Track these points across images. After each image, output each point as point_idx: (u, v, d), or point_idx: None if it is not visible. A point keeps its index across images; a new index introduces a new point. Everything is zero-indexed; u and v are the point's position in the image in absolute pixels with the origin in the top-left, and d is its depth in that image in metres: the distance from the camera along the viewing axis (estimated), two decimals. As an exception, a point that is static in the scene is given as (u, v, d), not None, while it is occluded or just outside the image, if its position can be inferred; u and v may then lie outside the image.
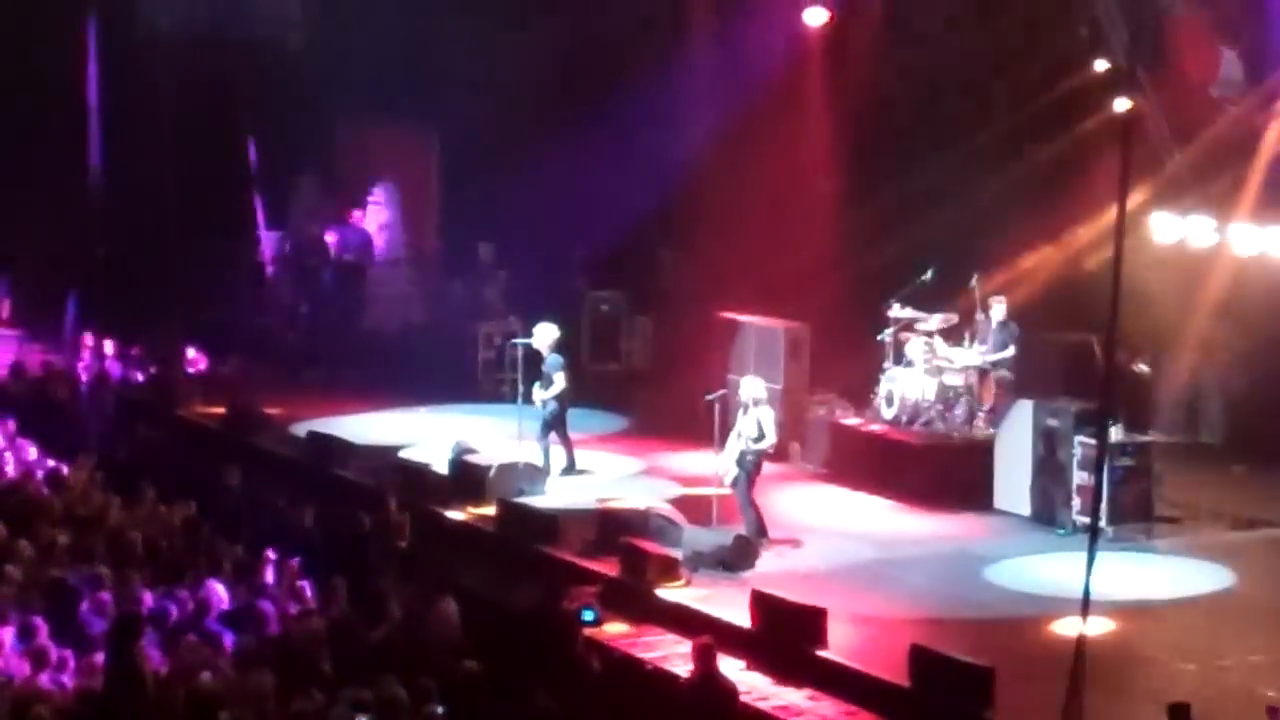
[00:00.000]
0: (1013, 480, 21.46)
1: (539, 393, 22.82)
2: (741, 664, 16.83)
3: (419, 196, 31.91)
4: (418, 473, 22.45)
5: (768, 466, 20.73)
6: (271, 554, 17.39)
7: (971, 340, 23.05)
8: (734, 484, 20.17)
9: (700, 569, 19.17)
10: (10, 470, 20.67)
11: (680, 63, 28.17)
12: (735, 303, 25.56)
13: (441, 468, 22.55)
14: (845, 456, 23.17)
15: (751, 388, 20.43)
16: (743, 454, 20.05)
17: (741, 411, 20.36)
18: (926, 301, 23.23)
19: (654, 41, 27.96)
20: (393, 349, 30.64)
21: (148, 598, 15.86)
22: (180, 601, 15.81)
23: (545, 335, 23.16)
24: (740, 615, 17.58)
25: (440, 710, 13.62)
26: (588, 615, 17.66)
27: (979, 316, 23.12)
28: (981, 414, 22.73)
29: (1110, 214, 15.03)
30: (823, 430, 23.71)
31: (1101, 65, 23.70)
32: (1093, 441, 19.54)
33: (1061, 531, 20.53)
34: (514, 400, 23.56)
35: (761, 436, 20.04)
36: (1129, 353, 21.03)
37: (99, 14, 29.85)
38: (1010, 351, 22.91)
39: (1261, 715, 14.51)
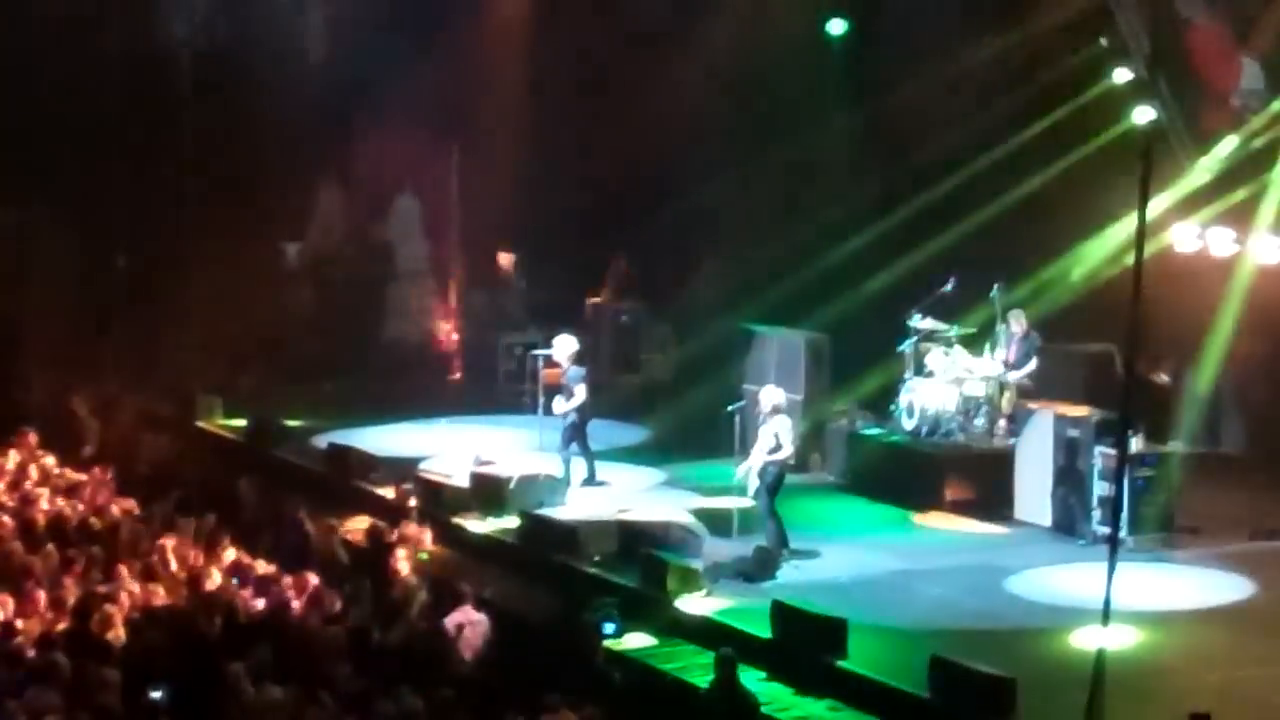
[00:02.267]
0: (1033, 491, 21.43)
1: (560, 404, 22.82)
2: (762, 675, 16.83)
3: (439, 207, 31.93)
4: (438, 484, 22.46)
5: (790, 477, 20.71)
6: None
7: (992, 351, 23.02)
8: (755, 495, 20.17)
9: (721, 580, 19.17)
10: (31, 484, 20.74)
11: (700, 70, 28.16)
12: (757, 313, 25.58)
13: (462, 479, 22.56)
14: (866, 467, 23.16)
15: (769, 397, 20.42)
16: (764, 466, 20.04)
17: (761, 423, 20.37)
18: (947, 312, 23.21)
19: (674, 47, 27.95)
20: (412, 360, 30.69)
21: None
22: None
23: (565, 347, 23.17)
24: (761, 626, 17.58)
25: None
26: (608, 627, 17.66)
27: (999, 327, 23.10)
28: (1002, 424, 22.70)
29: (1131, 224, 14.99)
30: (843, 441, 23.69)
31: (1123, 75, 23.67)
32: (1113, 452, 19.50)
33: (1082, 542, 20.48)
34: (534, 412, 23.56)
35: (779, 447, 20.03)
36: (1149, 363, 21.00)
37: (118, 27, 29.88)
38: (1032, 363, 22.87)
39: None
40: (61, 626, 15.59)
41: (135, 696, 13.75)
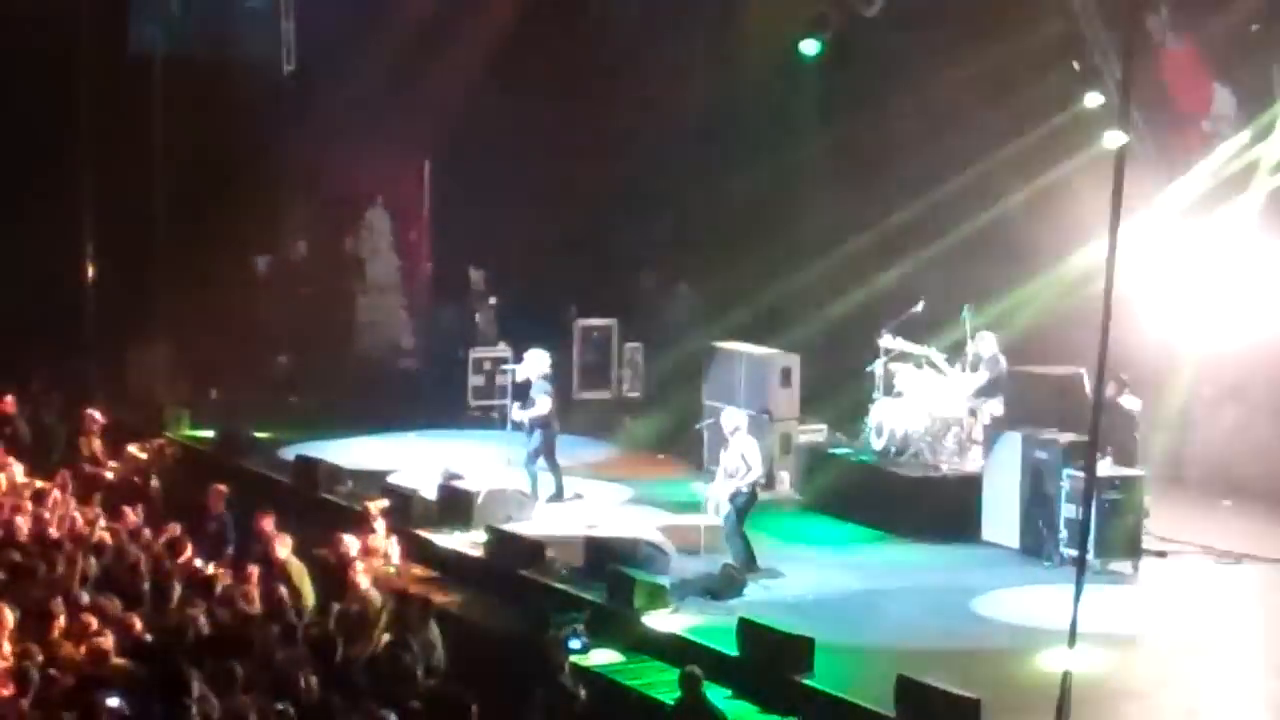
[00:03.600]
0: (1001, 512, 21.46)
1: (519, 413, 22.79)
2: (728, 692, 16.81)
3: (410, 220, 31.90)
4: (406, 498, 22.42)
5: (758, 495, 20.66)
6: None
7: (962, 372, 23.02)
8: (724, 517, 20.10)
9: (688, 597, 19.15)
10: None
11: (673, 87, 28.22)
12: (727, 331, 25.60)
13: (430, 493, 22.52)
14: (834, 486, 23.15)
15: (730, 420, 20.40)
16: (735, 491, 19.96)
17: (724, 447, 20.34)
18: (917, 333, 23.24)
19: (646, 65, 28.00)
20: (382, 374, 30.65)
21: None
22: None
23: (536, 362, 23.15)
24: (728, 643, 17.56)
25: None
26: (575, 643, 17.62)
27: (969, 348, 23.11)
28: (970, 446, 22.70)
29: (1101, 247, 15.02)
30: (811, 460, 23.70)
31: (1094, 99, 23.75)
32: (1081, 474, 19.53)
33: (1049, 564, 20.51)
34: (503, 426, 23.54)
35: (748, 469, 19.98)
36: (1118, 386, 21.04)
37: (91, 35, 29.83)
38: (1001, 384, 22.87)
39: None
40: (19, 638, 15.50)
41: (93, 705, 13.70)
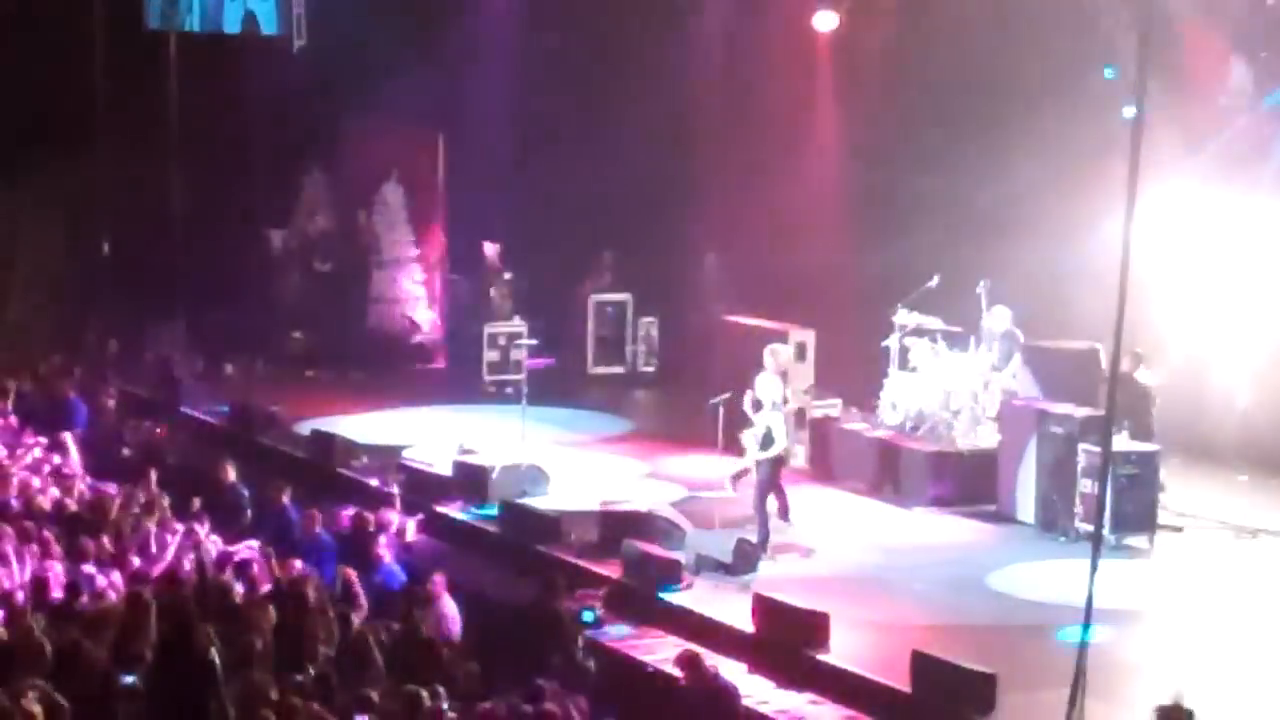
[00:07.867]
0: (1017, 487, 21.43)
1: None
2: (743, 667, 16.81)
3: (425, 195, 31.87)
4: (421, 472, 22.43)
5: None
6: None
7: (977, 347, 22.98)
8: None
9: (703, 572, 19.15)
10: (16, 467, 20.74)
11: (688, 63, 28.17)
12: (742, 306, 25.56)
13: (445, 468, 22.53)
14: (849, 462, 23.14)
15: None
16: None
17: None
18: (932, 307, 23.18)
19: (662, 41, 27.96)
20: (397, 349, 30.67)
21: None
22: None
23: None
24: (743, 619, 17.57)
25: (446, 708, 13.63)
26: (587, 616, 17.64)
27: (984, 323, 23.06)
28: (986, 421, 22.67)
29: (1118, 221, 14.99)
30: (827, 435, 23.67)
31: (1111, 73, 23.69)
32: (1097, 449, 19.51)
33: (1064, 539, 20.50)
34: (518, 401, 23.55)
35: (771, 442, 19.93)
36: (1134, 361, 21.01)
37: (105, 11, 29.84)
38: (1016, 359, 22.84)
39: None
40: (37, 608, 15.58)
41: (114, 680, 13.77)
